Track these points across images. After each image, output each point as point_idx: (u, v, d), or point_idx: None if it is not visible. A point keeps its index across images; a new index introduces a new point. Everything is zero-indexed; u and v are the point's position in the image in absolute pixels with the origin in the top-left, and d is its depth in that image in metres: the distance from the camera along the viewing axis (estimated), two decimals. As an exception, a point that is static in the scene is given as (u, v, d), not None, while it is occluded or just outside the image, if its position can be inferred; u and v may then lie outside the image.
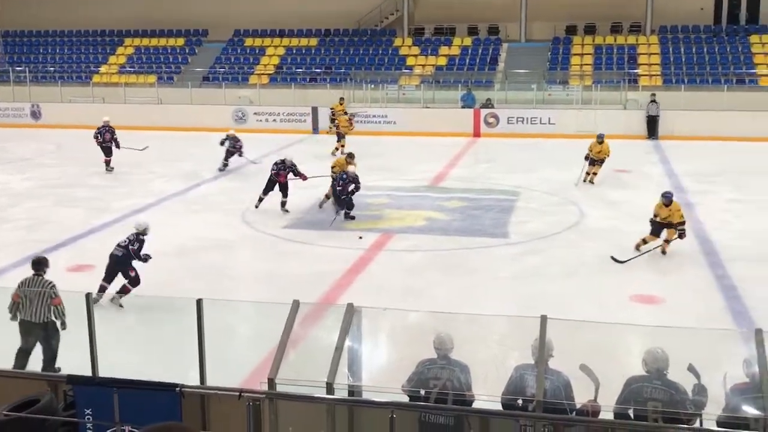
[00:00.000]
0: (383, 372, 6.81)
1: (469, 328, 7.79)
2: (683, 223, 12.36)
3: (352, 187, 14.18)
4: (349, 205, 14.32)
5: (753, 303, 10.31)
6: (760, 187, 17.39)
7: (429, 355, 6.08)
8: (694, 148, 22.30)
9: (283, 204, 15.21)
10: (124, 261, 10.14)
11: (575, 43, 30.22)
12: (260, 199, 15.30)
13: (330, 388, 5.61)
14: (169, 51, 33.42)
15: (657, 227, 12.43)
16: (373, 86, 28.98)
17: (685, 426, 5.53)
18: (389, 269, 12.15)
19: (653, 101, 24.93)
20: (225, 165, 19.68)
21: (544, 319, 5.75)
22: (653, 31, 29.98)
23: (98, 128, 19.46)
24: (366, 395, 6.01)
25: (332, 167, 15.48)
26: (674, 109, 24.74)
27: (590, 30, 30.98)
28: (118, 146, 19.44)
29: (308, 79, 30.32)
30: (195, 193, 17.54)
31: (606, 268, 11.97)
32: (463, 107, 26.97)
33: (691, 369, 5.72)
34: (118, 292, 10.07)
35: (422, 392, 5.85)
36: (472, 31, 32.10)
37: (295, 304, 6.03)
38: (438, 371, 5.90)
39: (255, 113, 27.99)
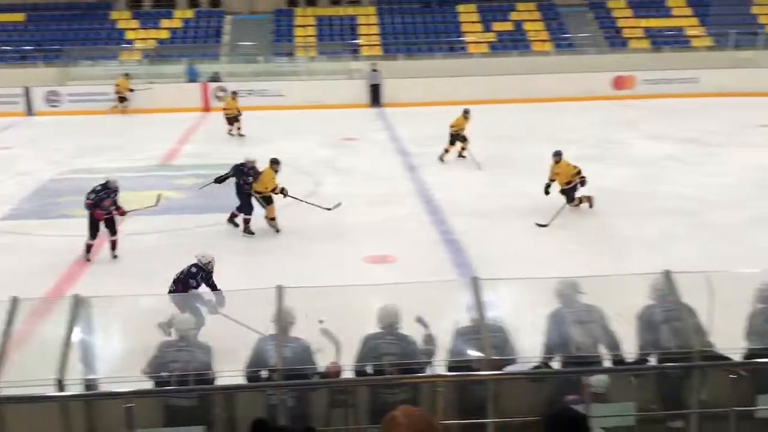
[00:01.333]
0: (122, 361, 6.55)
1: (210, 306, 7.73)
2: (579, 173, 13.05)
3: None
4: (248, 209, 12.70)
5: (472, 253, 11.27)
6: (472, 145, 18.82)
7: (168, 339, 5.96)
8: (414, 114, 23.54)
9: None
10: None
11: (298, 15, 30.56)
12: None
13: (60, 384, 5.30)
14: None
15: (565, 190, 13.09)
16: (91, 63, 27.33)
17: (419, 375, 5.91)
18: (123, 254, 11.63)
19: (374, 70, 25.96)
20: None
21: (279, 290, 5.83)
22: (371, 2, 31.10)
23: None
24: (106, 387, 5.75)
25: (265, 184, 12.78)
26: (395, 78, 25.92)
27: (312, 1, 31.48)
28: None
29: (19, 58, 27.92)
30: None
31: (340, 233, 12.40)
32: (189, 81, 26.32)
33: (419, 320, 6.11)
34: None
35: (164, 375, 5.71)
36: (194, 3, 31.32)
37: (14, 301, 5.61)
38: (176, 354, 5.79)
39: (-43, 97, 25.29)
